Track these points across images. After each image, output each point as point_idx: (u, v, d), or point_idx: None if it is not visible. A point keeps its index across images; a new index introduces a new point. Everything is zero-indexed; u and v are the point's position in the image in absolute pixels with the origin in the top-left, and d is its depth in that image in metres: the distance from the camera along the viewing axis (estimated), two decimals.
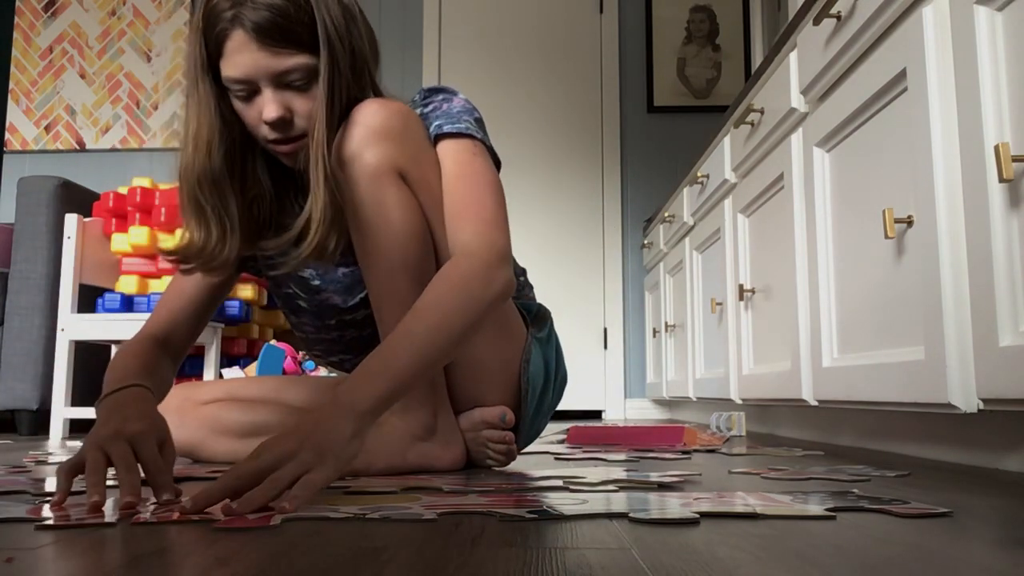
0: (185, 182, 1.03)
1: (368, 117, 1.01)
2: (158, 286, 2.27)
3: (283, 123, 1.00)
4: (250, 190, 1.08)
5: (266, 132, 1.01)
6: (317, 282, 1.17)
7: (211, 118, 1.03)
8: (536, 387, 1.19)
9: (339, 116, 1.02)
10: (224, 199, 1.04)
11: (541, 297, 1.39)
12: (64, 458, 1.32)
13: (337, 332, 1.23)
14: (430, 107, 1.12)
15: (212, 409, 1.24)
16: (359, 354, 1.22)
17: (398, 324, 0.90)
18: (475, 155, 1.06)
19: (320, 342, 1.27)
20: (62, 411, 2.15)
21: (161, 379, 1.06)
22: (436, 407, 1.09)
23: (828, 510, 0.72)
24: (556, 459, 1.32)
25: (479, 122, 1.11)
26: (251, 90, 1.00)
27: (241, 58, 0.97)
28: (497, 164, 1.12)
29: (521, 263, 1.30)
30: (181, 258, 1.06)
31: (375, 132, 1.00)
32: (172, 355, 1.15)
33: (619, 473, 1.05)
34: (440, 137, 1.07)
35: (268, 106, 0.99)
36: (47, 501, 0.77)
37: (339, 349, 1.26)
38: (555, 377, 1.24)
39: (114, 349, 2.41)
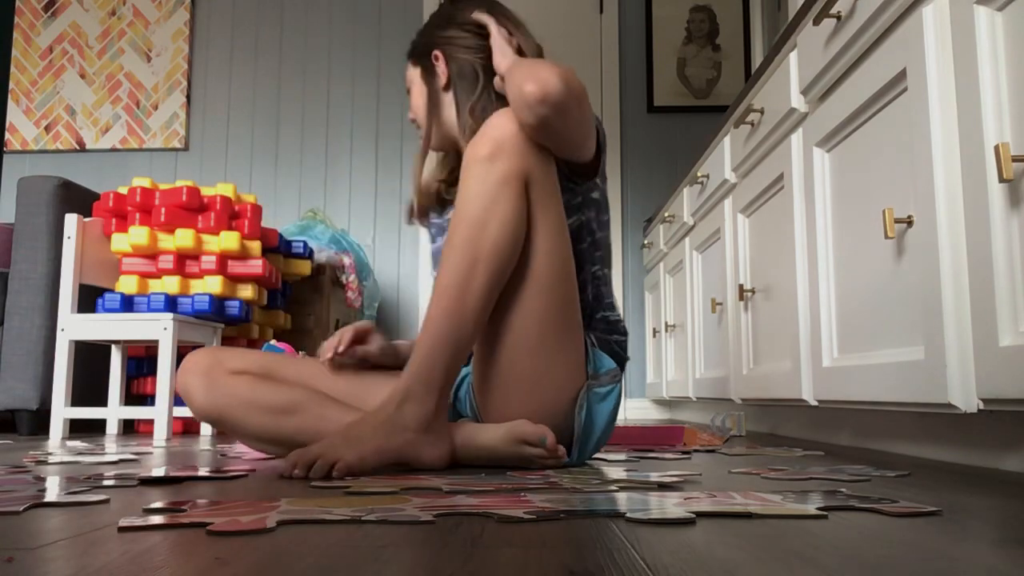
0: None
1: (501, 127, 1.12)
2: (158, 286, 2.27)
3: (413, 121, 1.39)
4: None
5: None
6: None
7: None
8: (587, 433, 1.20)
9: (440, 114, 1.34)
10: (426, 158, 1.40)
11: None
12: (64, 458, 1.32)
13: None
14: None
15: (244, 384, 1.25)
16: None
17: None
18: None
19: None
20: (62, 411, 2.15)
21: None
22: (436, 407, 1.10)
23: (819, 509, 0.72)
24: None
25: (598, 120, 1.26)
26: None
27: None
28: (600, 146, 1.26)
29: None
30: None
31: (503, 142, 1.11)
32: None
33: (619, 473, 1.05)
34: None
35: None
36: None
37: None
38: (594, 439, 1.24)
39: (114, 349, 2.41)
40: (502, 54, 1.24)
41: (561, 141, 1.15)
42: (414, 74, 1.37)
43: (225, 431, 1.28)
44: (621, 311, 3.84)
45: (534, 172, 1.11)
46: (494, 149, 1.10)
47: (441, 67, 1.32)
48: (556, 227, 1.15)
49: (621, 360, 1.29)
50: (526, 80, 1.07)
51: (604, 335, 1.28)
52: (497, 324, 1.14)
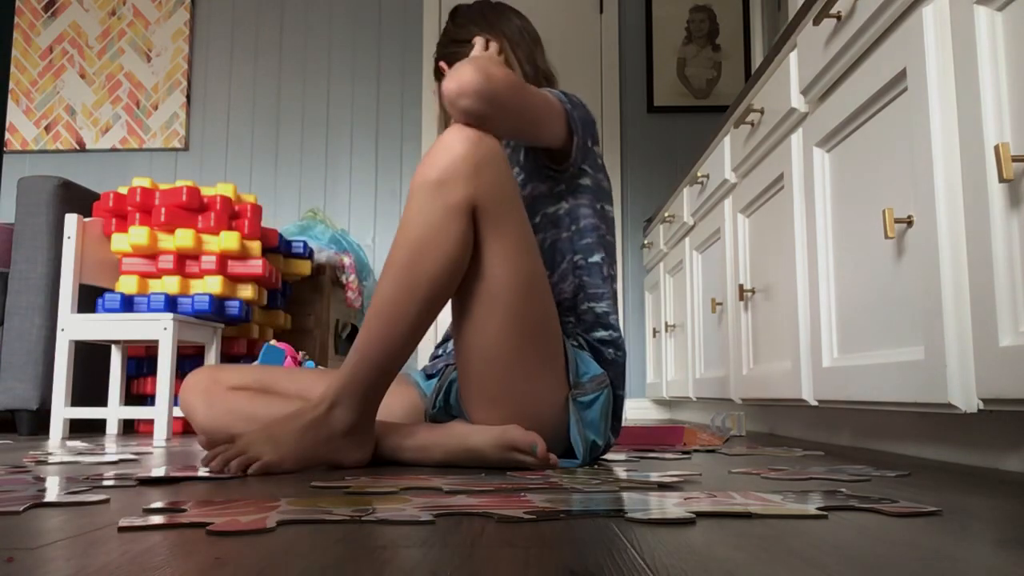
0: None
1: (451, 148, 1.09)
2: (158, 286, 2.27)
3: None
4: None
5: None
6: None
7: None
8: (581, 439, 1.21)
9: (449, 120, 1.34)
10: None
11: None
12: (64, 458, 1.32)
13: None
14: None
15: (242, 400, 1.28)
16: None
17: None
18: (542, 92, 1.22)
19: None
20: (62, 411, 2.15)
21: None
22: (364, 413, 1.12)
23: (819, 509, 0.72)
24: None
25: (575, 104, 1.27)
26: None
27: None
28: (573, 130, 1.25)
29: None
30: None
31: (453, 166, 1.08)
32: None
33: (619, 473, 1.05)
34: None
35: None
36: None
37: None
38: (589, 443, 1.24)
39: (114, 349, 2.41)
40: None
41: (505, 130, 1.16)
42: (437, 86, 1.48)
43: None
44: (622, 310, 3.81)
45: (484, 196, 1.09)
46: (443, 175, 1.08)
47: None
48: (515, 245, 1.13)
49: (610, 361, 1.28)
50: (447, 79, 1.11)
51: (589, 333, 1.28)
52: (466, 343, 1.15)
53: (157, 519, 0.67)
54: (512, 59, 1.41)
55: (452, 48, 1.43)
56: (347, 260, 3.08)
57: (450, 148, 1.09)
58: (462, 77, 1.09)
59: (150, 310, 2.21)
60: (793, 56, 1.72)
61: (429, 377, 1.38)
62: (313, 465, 1.10)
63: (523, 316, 1.14)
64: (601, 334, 1.29)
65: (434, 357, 1.42)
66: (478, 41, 1.38)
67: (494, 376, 1.14)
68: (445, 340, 1.43)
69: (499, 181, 1.12)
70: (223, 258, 2.29)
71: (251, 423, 1.24)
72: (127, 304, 2.23)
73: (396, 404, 1.31)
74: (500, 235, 1.11)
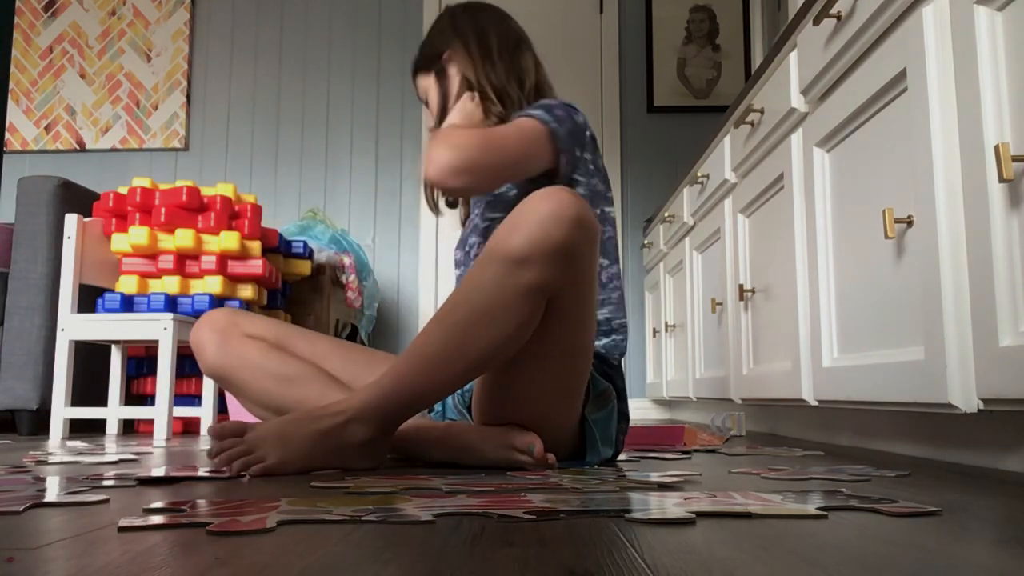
0: None
1: (547, 230, 1.00)
2: (158, 286, 2.27)
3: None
4: None
5: None
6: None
7: None
8: (592, 445, 1.21)
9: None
10: None
11: None
12: (64, 458, 1.32)
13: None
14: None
15: (255, 350, 1.26)
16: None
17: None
18: (517, 126, 1.23)
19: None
20: (62, 411, 2.15)
21: None
22: (383, 431, 1.10)
23: (819, 509, 0.72)
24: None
25: (559, 119, 1.25)
26: None
27: None
28: (560, 152, 1.25)
29: None
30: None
31: (541, 248, 1.00)
32: None
33: (619, 473, 1.05)
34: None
35: None
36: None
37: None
38: (607, 448, 1.24)
39: (114, 349, 2.41)
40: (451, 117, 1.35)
41: (495, 184, 1.22)
42: (428, 82, 1.43)
43: (230, 391, 1.29)
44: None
45: (567, 286, 1.03)
46: (528, 252, 0.99)
47: (452, 70, 1.41)
48: (579, 323, 1.09)
49: (611, 362, 1.28)
50: (426, 167, 1.17)
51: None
52: (501, 382, 1.13)
53: (157, 519, 0.67)
54: (479, 74, 1.37)
55: (423, 65, 1.44)
56: (347, 260, 3.08)
57: (544, 227, 0.99)
58: (439, 162, 1.15)
59: (150, 310, 2.21)
60: (793, 56, 1.72)
61: None
62: (319, 469, 1.10)
63: (567, 376, 1.13)
64: (603, 341, 1.29)
65: None
66: (465, 96, 1.36)
67: (519, 409, 1.14)
68: None
69: (586, 268, 1.04)
70: (223, 258, 2.29)
71: (258, 374, 1.24)
72: (127, 304, 2.22)
73: None
74: (570, 317, 1.07)
